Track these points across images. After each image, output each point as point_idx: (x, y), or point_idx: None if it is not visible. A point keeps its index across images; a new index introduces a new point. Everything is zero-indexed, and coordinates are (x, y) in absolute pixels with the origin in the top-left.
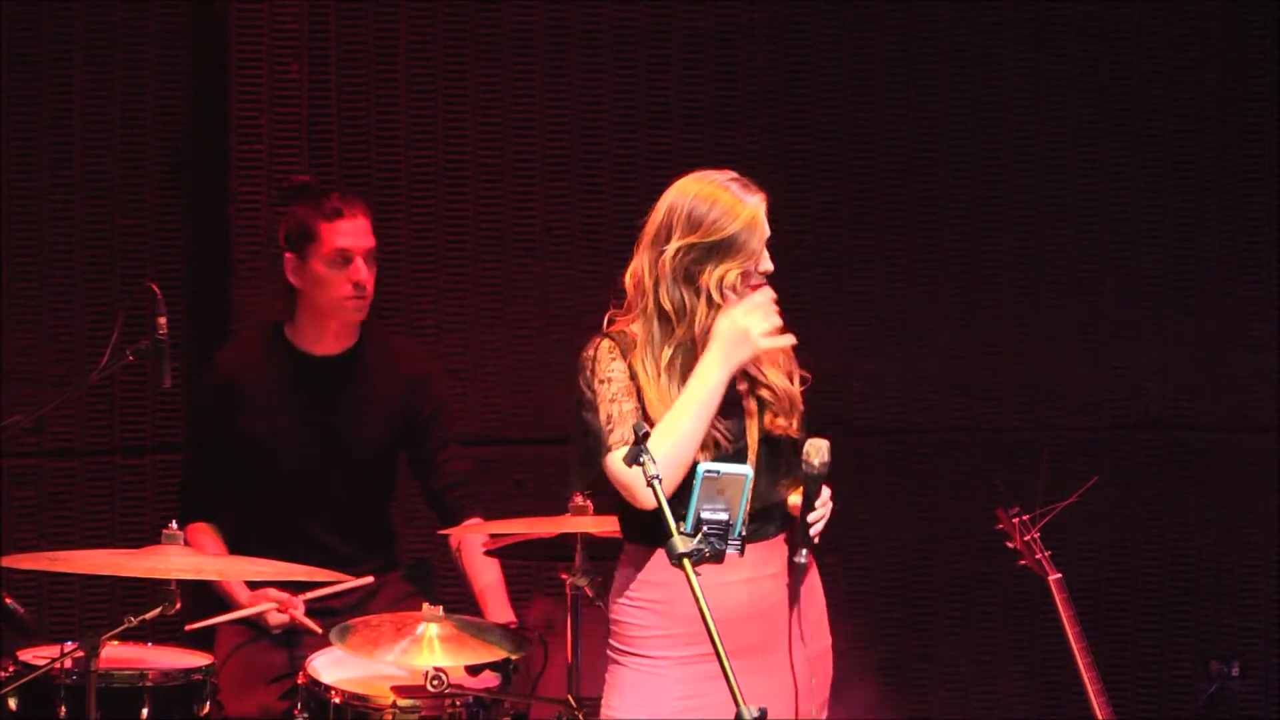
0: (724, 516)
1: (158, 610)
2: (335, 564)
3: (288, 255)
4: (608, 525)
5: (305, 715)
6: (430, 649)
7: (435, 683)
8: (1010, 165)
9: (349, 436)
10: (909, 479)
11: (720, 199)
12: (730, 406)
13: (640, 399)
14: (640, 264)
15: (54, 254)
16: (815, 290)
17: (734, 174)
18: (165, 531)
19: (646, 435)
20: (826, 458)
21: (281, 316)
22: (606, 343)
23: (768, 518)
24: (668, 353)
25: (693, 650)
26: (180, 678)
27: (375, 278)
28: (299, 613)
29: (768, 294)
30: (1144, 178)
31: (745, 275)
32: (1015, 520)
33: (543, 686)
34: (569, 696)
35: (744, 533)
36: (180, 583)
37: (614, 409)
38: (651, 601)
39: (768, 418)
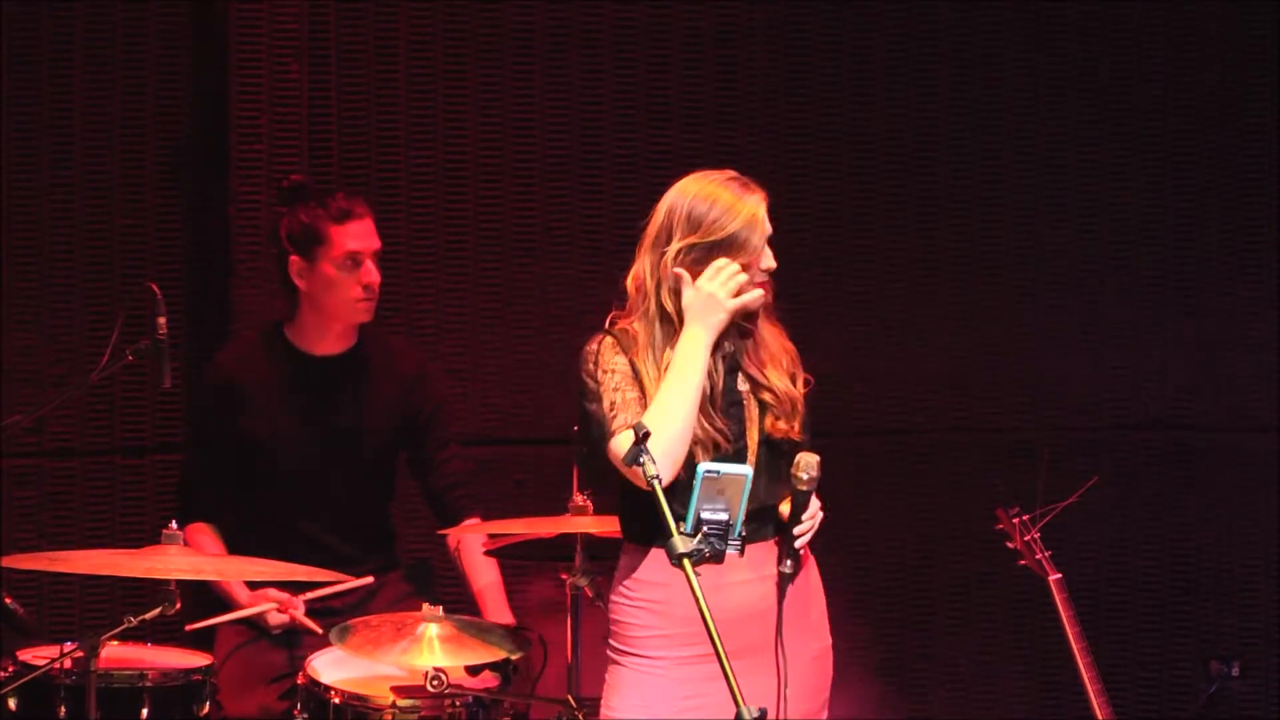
0: (724, 517)
1: (158, 610)
2: (335, 564)
3: (293, 258)
4: (608, 525)
5: (305, 715)
6: (430, 649)
7: (435, 683)
8: (1010, 165)
9: (349, 436)
10: (909, 479)
11: (720, 198)
12: (732, 407)
13: (642, 395)
14: (642, 267)
15: (54, 254)
16: (815, 290)
17: (733, 173)
18: (165, 531)
19: (647, 435)
20: (815, 473)
21: (281, 316)
22: (609, 339)
23: (765, 519)
24: (669, 354)
25: (692, 650)
26: (180, 678)
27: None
28: (299, 613)
29: (725, 262)
30: (1144, 178)
31: (749, 273)
32: (1015, 520)
33: (543, 686)
34: (569, 696)
35: (744, 533)
36: (180, 583)
37: (617, 396)
38: (650, 601)
39: (769, 420)
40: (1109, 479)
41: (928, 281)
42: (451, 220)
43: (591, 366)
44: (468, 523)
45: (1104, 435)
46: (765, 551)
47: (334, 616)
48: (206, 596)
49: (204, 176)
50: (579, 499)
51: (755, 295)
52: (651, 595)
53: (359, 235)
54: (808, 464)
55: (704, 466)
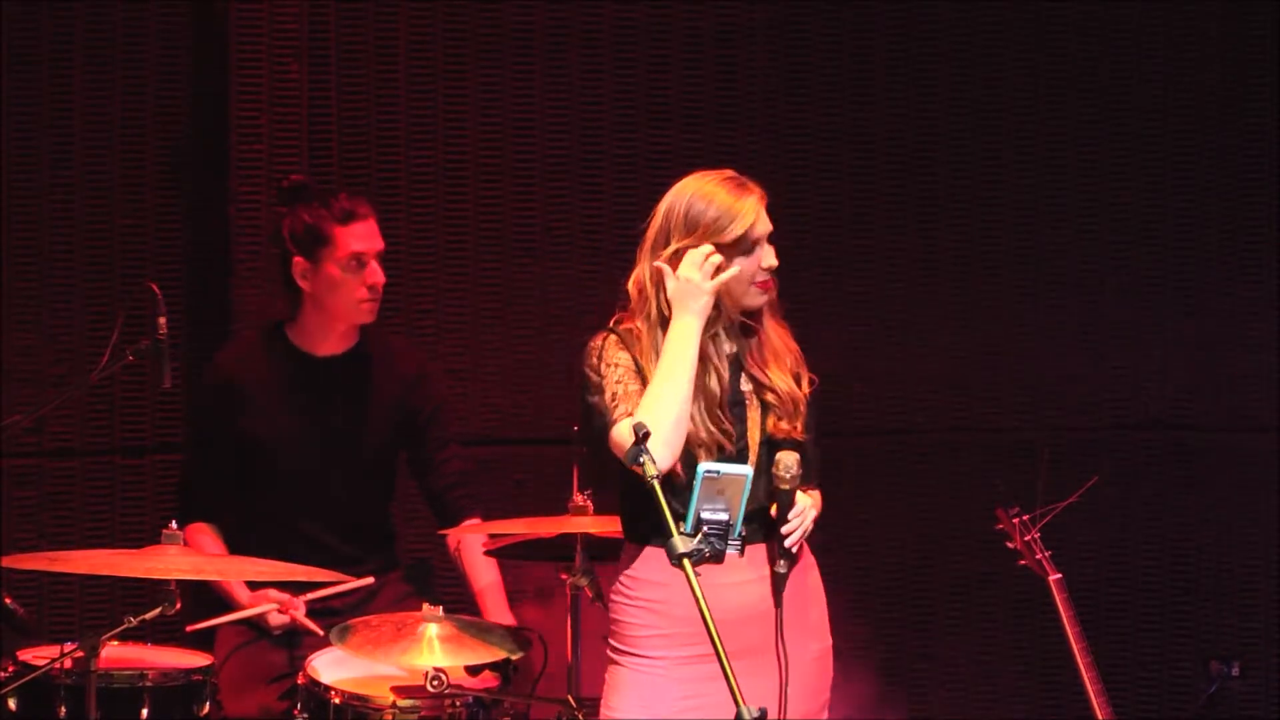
0: (724, 517)
1: (158, 610)
2: (335, 564)
3: (296, 259)
4: (608, 525)
5: (305, 715)
6: (430, 649)
7: (435, 683)
8: (1010, 165)
9: (349, 437)
10: (909, 479)
11: (716, 198)
12: (733, 407)
13: (644, 390)
14: (642, 270)
15: (54, 254)
16: (815, 290)
17: (731, 173)
18: (165, 531)
19: (647, 435)
20: (796, 471)
21: (282, 316)
22: (613, 336)
23: (761, 520)
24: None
25: (691, 650)
26: (180, 678)
27: None
28: (300, 614)
29: (704, 248)
30: (1144, 178)
31: (750, 271)
32: (1015, 520)
33: (543, 686)
34: (569, 696)
35: (744, 533)
36: (180, 583)
37: (619, 388)
38: (650, 601)
39: (770, 420)
40: (1109, 479)
41: (928, 281)
42: (451, 220)
43: (595, 360)
44: (468, 523)
45: (1104, 435)
46: (765, 552)
47: (334, 617)
48: (207, 597)
49: (204, 176)
50: (579, 499)
51: (732, 272)
52: (651, 595)
53: (363, 236)
54: (787, 463)
55: (704, 466)
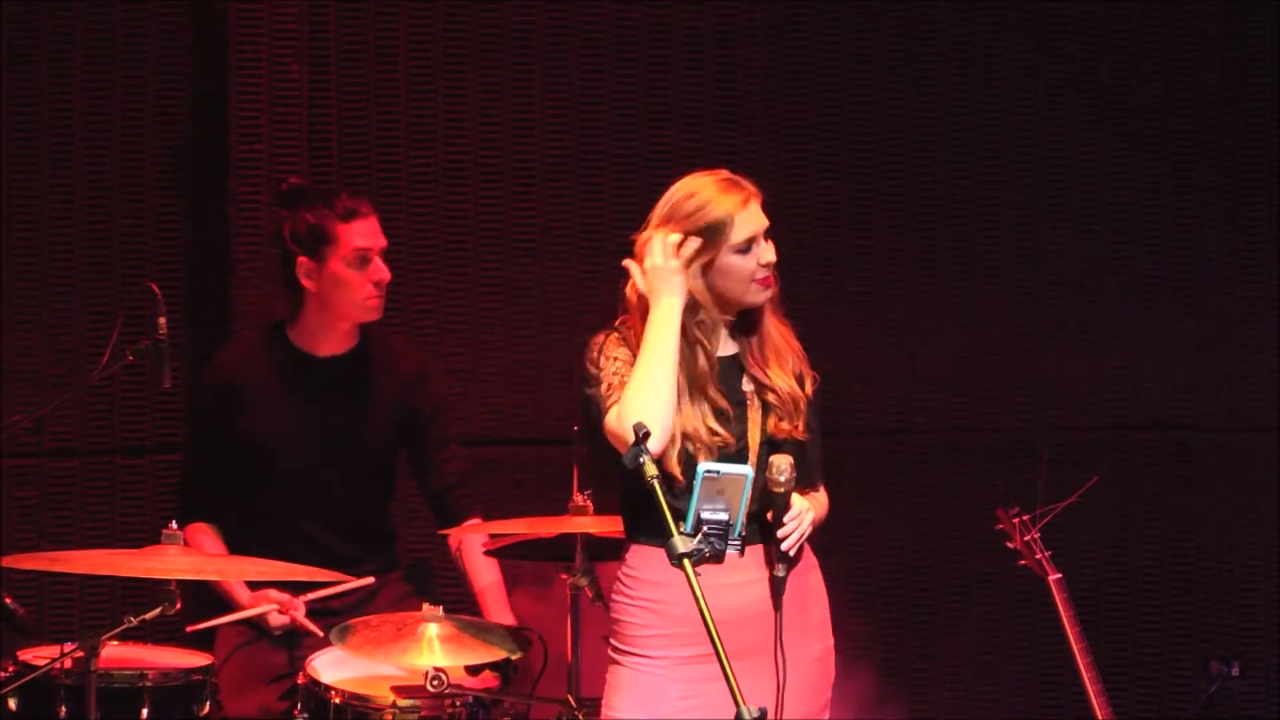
0: (724, 516)
1: (158, 610)
2: (335, 564)
3: (300, 258)
4: (608, 525)
5: (305, 715)
6: (430, 649)
7: (435, 683)
8: (1010, 165)
9: (349, 436)
10: (909, 479)
11: (700, 192)
12: (735, 407)
13: None
14: (637, 274)
15: (54, 254)
16: (815, 290)
17: (726, 172)
18: (165, 531)
19: (647, 435)
20: (790, 473)
21: (283, 317)
22: (615, 334)
23: (761, 521)
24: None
25: (691, 650)
26: (180, 678)
27: None
28: (300, 614)
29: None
30: (1144, 178)
31: (749, 269)
32: (1015, 520)
33: (543, 686)
34: (569, 696)
35: (744, 533)
36: (180, 583)
37: (615, 379)
38: (650, 601)
39: (771, 420)
40: (1109, 479)
41: (928, 281)
42: (451, 220)
43: (595, 354)
44: (468, 523)
45: (1104, 435)
46: (763, 554)
47: (334, 617)
48: (207, 597)
49: (204, 176)
50: (579, 499)
51: (694, 245)
52: (651, 595)
53: (367, 233)
54: (780, 466)
55: (704, 466)
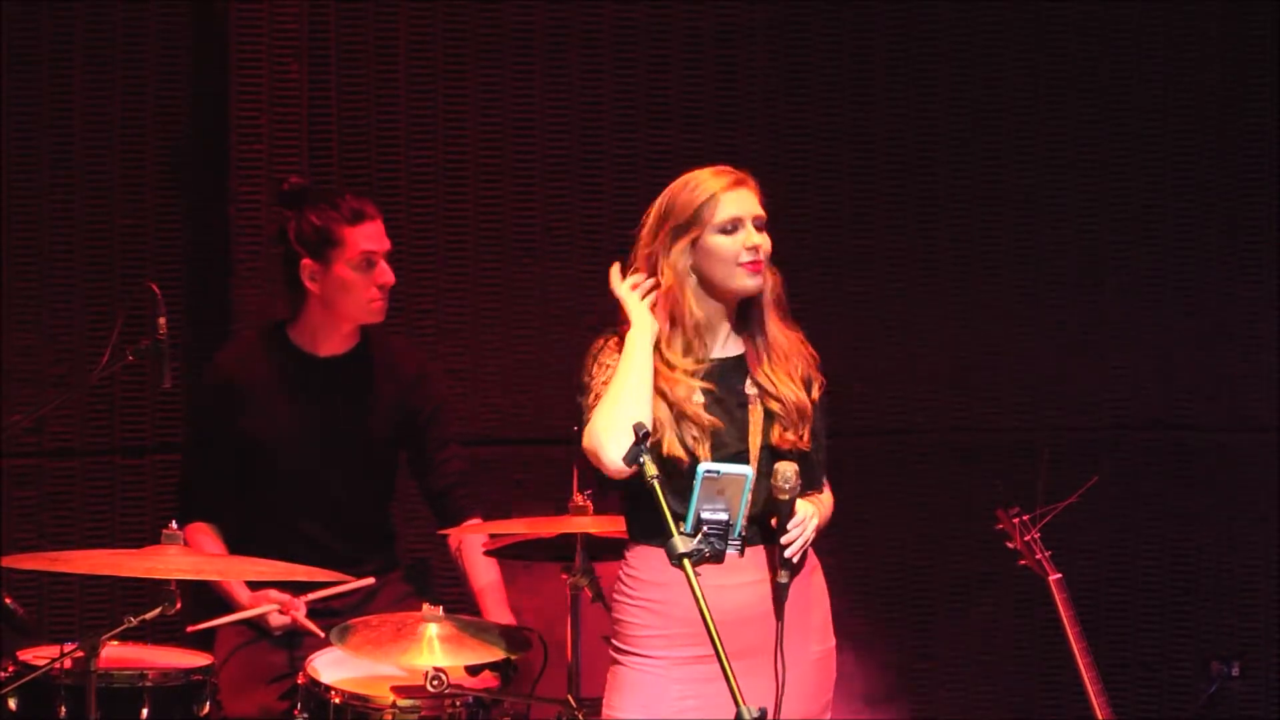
0: (724, 517)
1: (158, 610)
2: (335, 564)
3: (305, 260)
4: (608, 525)
5: (305, 715)
6: (430, 649)
7: (435, 683)
8: (1010, 165)
9: (349, 437)
10: (909, 479)
11: (693, 179)
12: (735, 409)
13: None
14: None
15: (54, 254)
16: (815, 290)
17: (725, 166)
18: (165, 531)
19: (647, 435)
20: (795, 481)
21: (283, 316)
22: (615, 339)
23: (755, 526)
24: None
25: (691, 651)
26: (180, 678)
27: None
28: (300, 614)
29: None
30: (1144, 178)
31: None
32: (1015, 520)
33: (543, 686)
34: (569, 696)
35: (744, 533)
36: (180, 583)
37: (603, 389)
38: (650, 601)
39: (776, 430)
40: (1109, 479)
41: (928, 281)
42: (451, 220)
43: (589, 361)
44: (468, 523)
45: (1104, 435)
46: (765, 553)
47: (335, 617)
48: (207, 597)
49: (204, 176)
50: (579, 499)
51: (648, 284)
52: (651, 595)
53: (373, 236)
54: (785, 474)
55: (704, 466)
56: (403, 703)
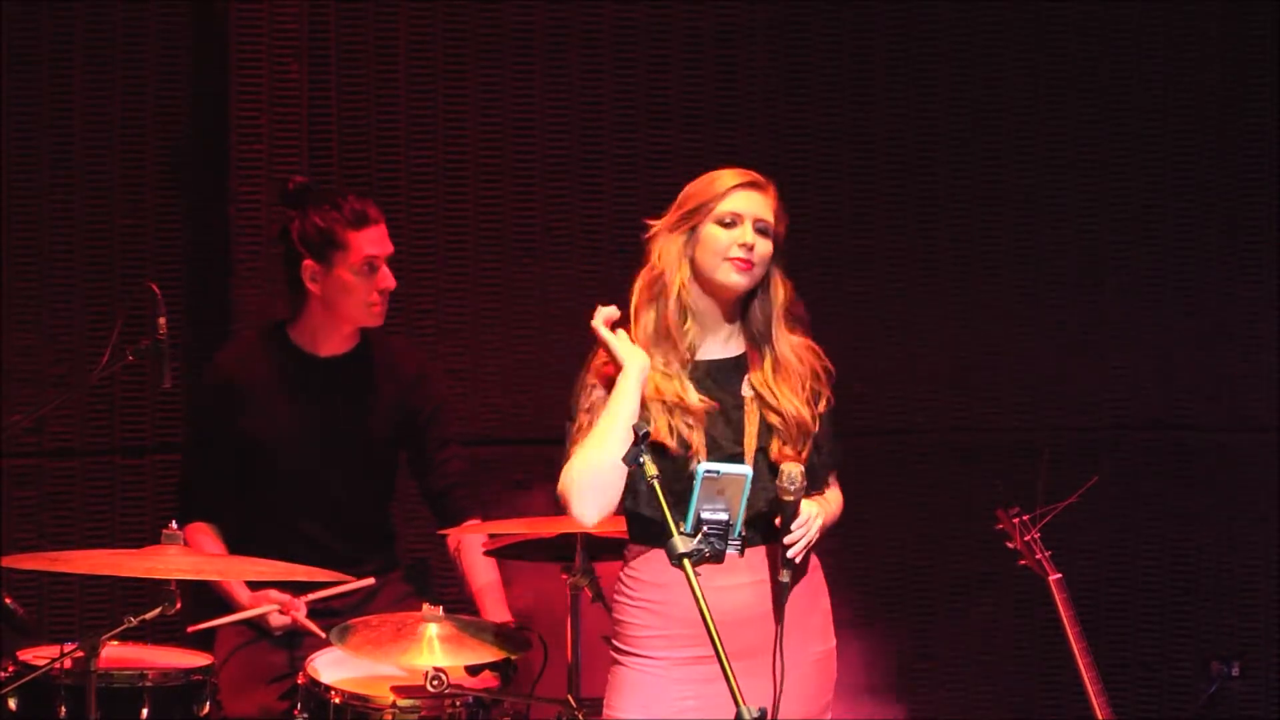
0: (724, 517)
1: (158, 610)
2: (335, 564)
3: (307, 261)
4: (608, 525)
5: (305, 715)
6: (430, 649)
7: (435, 683)
8: (1010, 165)
9: (349, 437)
10: (909, 479)
11: (711, 174)
12: (731, 410)
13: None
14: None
15: (54, 254)
16: (815, 290)
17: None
18: (165, 531)
19: (646, 435)
20: (800, 483)
21: (283, 316)
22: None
23: (756, 526)
24: (649, 316)
25: (691, 651)
26: (180, 678)
27: None
28: (301, 615)
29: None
30: (1144, 178)
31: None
32: (1015, 520)
33: (543, 686)
34: (569, 696)
35: (744, 533)
36: (181, 583)
37: (585, 420)
38: (651, 602)
39: (775, 445)
40: (1109, 479)
41: (928, 281)
42: (451, 220)
43: (578, 387)
44: (468, 523)
45: (1104, 435)
46: (765, 553)
47: (335, 617)
48: (207, 597)
49: (204, 176)
50: None
51: (611, 325)
52: (651, 595)
53: (376, 240)
54: (791, 475)
55: (704, 466)
56: (403, 703)
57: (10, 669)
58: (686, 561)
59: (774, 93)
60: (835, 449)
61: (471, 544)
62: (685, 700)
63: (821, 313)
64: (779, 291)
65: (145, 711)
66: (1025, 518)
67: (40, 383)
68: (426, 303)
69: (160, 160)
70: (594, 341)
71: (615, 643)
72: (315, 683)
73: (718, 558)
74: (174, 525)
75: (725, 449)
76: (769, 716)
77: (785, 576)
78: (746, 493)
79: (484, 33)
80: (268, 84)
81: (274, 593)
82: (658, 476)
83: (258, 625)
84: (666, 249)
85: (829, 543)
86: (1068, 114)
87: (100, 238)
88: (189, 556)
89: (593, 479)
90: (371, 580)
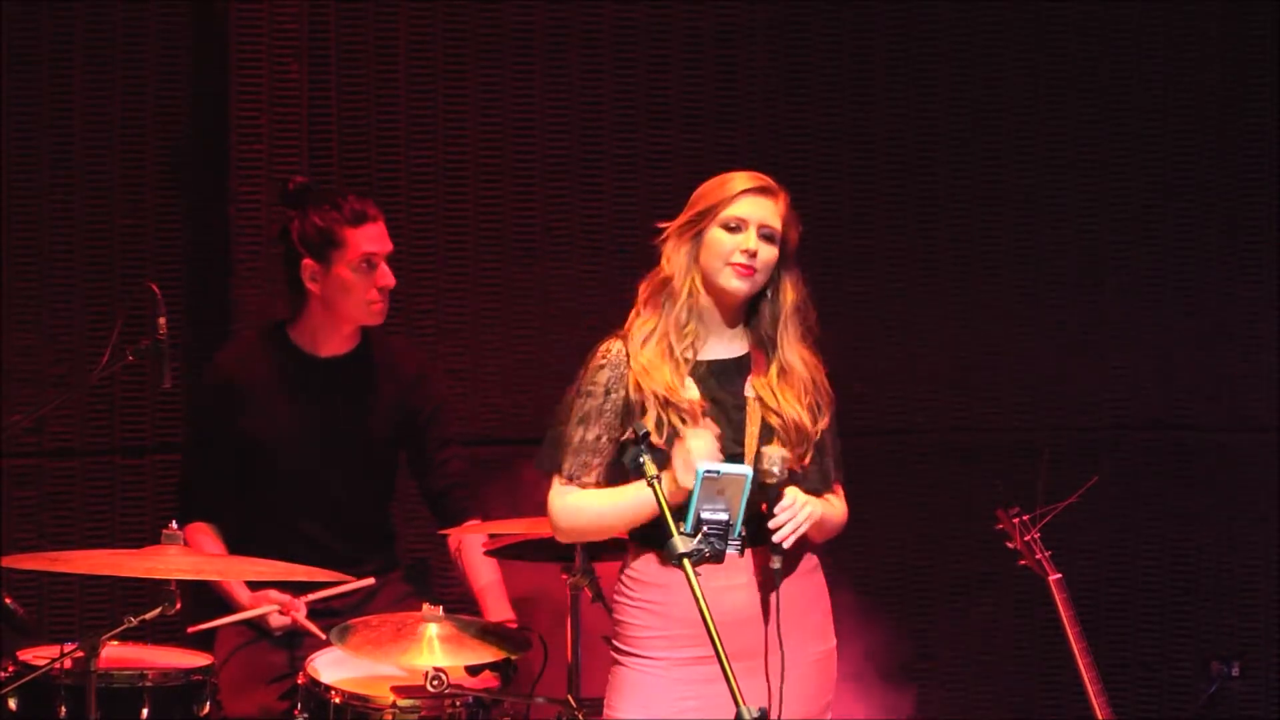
0: (724, 517)
1: (158, 610)
2: (335, 564)
3: (306, 261)
4: None
5: (305, 715)
6: (430, 649)
7: (435, 683)
8: (1010, 165)
9: (349, 437)
10: (909, 479)
11: (723, 176)
12: (732, 410)
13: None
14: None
15: (54, 254)
16: (815, 290)
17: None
18: (165, 531)
19: (646, 435)
20: (781, 465)
21: (283, 316)
22: (616, 345)
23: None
24: (654, 317)
25: (691, 651)
26: (180, 678)
27: None
28: (301, 615)
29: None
30: (1144, 178)
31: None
32: (1015, 520)
33: (543, 686)
34: (569, 696)
35: (744, 533)
36: (181, 583)
37: (578, 432)
38: (650, 602)
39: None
40: (1109, 479)
41: (928, 281)
42: (451, 220)
43: (580, 375)
44: (468, 523)
45: (1104, 435)
46: (762, 556)
47: (335, 617)
48: (207, 597)
49: (204, 176)
50: None
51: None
52: (651, 596)
53: (375, 238)
54: (772, 458)
55: (704, 466)
56: (403, 703)
57: (10, 669)
58: (686, 561)
59: (774, 93)
60: (838, 461)
61: (472, 544)
62: (685, 700)
63: (821, 313)
64: (788, 296)
65: (145, 711)
66: (1025, 518)
67: (40, 383)
68: (426, 303)
69: (160, 160)
70: (592, 345)
71: (615, 643)
72: (315, 683)
73: (718, 558)
74: (174, 525)
75: (726, 449)
76: (770, 703)
77: (776, 563)
78: (746, 493)
79: (484, 33)
80: (268, 84)
81: (274, 593)
82: (658, 477)
83: (258, 625)
84: (676, 255)
85: (829, 543)
86: (1068, 114)
87: (100, 238)
88: (189, 556)
89: (584, 530)
90: (371, 580)
